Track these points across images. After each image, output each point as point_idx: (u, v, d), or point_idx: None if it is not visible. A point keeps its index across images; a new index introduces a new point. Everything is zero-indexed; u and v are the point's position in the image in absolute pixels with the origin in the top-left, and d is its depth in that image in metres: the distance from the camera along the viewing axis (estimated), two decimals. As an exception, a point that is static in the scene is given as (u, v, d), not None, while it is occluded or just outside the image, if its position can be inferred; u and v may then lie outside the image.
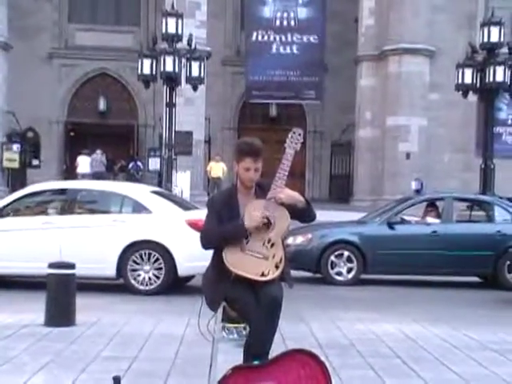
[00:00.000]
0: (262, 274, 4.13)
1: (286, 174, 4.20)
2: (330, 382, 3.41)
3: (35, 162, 27.95)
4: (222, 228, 4.18)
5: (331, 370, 3.48)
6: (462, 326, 7.41)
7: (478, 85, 17.74)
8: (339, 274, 11.25)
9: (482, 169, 17.74)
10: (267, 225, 4.17)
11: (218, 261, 4.22)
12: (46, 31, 29.67)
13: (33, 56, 28.55)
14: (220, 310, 4.29)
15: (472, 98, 19.20)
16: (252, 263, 4.14)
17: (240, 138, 27.90)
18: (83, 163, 25.70)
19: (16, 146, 26.09)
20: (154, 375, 5.07)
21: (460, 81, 18.01)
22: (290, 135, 4.26)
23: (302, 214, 4.27)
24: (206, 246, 4.28)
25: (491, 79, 17.33)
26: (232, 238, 4.14)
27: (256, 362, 3.62)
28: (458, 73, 17.98)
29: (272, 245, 4.18)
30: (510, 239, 10.42)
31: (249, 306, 4.16)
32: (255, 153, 4.20)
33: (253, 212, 4.14)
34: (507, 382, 5.16)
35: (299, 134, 4.26)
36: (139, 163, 27.71)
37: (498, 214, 11.89)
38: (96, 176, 23.74)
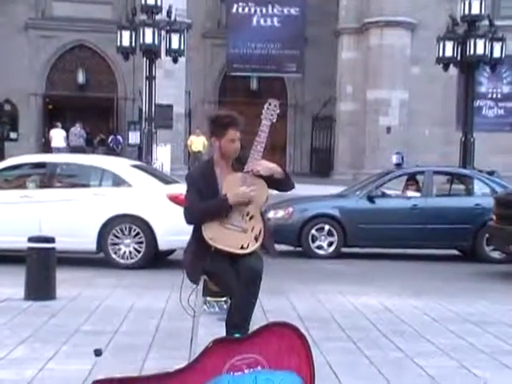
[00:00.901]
0: (242, 247, 4.14)
1: (263, 145, 4.20)
2: (310, 355, 3.42)
3: (13, 135, 27.65)
4: (206, 204, 4.18)
5: (311, 342, 3.50)
6: (440, 299, 7.49)
7: (459, 58, 17.75)
8: (320, 247, 11.30)
9: (462, 142, 17.82)
10: (246, 198, 4.17)
11: (198, 235, 4.22)
12: (22, 1, 29.15)
13: (9, 26, 28.10)
14: (201, 284, 4.30)
15: (453, 71, 19.23)
16: (231, 236, 4.14)
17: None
18: (57, 137, 25.35)
19: None
20: (136, 348, 5.07)
21: (441, 54, 18.00)
22: (265, 106, 4.27)
23: (280, 184, 4.27)
24: (190, 222, 4.29)
25: (472, 52, 17.34)
26: (216, 214, 4.14)
27: (237, 335, 3.63)
28: (439, 46, 17.96)
29: (251, 217, 4.19)
30: (488, 212, 10.47)
31: (229, 278, 4.17)
32: (237, 123, 4.22)
33: (234, 187, 4.14)
34: (485, 353, 5.23)
35: (275, 105, 4.26)
36: (119, 137, 27.52)
37: (478, 187, 11.97)
38: (75, 150, 23.54)
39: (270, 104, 4.26)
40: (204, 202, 4.19)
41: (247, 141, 4.31)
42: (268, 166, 4.18)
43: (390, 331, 5.86)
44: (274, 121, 4.24)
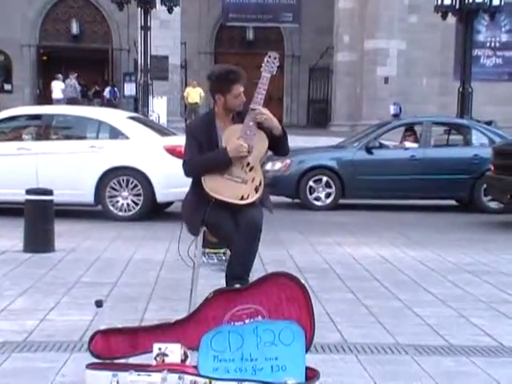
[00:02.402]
0: (242, 198, 4.13)
1: (263, 98, 4.18)
2: (310, 304, 3.44)
3: (7, 87, 27.40)
4: (206, 157, 4.16)
5: (311, 293, 3.51)
6: (438, 249, 7.53)
7: (458, 6, 17.51)
8: (318, 199, 11.31)
9: (460, 92, 17.71)
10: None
11: (197, 186, 4.20)
12: None
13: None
14: (200, 236, 4.30)
15: (451, 20, 18.98)
16: (231, 187, 4.13)
17: (217, 63, 27.51)
18: (57, 88, 25.22)
19: None
20: (135, 300, 5.10)
21: (439, 2, 17.78)
22: (265, 59, 4.23)
23: (278, 143, 4.25)
24: (189, 175, 4.27)
25: (471, 0, 17.09)
26: (216, 167, 4.12)
27: (237, 286, 3.64)
28: (438, -6, 17.72)
29: (251, 169, 4.18)
30: (486, 163, 10.46)
31: (229, 229, 4.17)
32: (242, 78, 4.20)
33: (235, 139, 4.11)
34: (482, 302, 5.27)
35: (275, 58, 4.22)
36: (115, 89, 27.27)
37: (476, 137, 11.93)
38: (70, 102, 23.34)
39: (269, 56, 4.22)
40: (204, 155, 4.16)
41: (244, 92, 4.26)
42: (272, 117, 4.17)
43: (389, 281, 5.90)
44: (274, 73, 4.21)
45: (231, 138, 4.16)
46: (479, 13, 17.91)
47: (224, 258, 5.84)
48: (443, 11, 17.83)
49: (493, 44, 26.29)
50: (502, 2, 17.60)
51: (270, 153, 4.45)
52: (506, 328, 4.59)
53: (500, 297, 5.48)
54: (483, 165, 10.79)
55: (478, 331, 4.50)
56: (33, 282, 5.60)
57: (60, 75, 25.74)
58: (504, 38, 26.32)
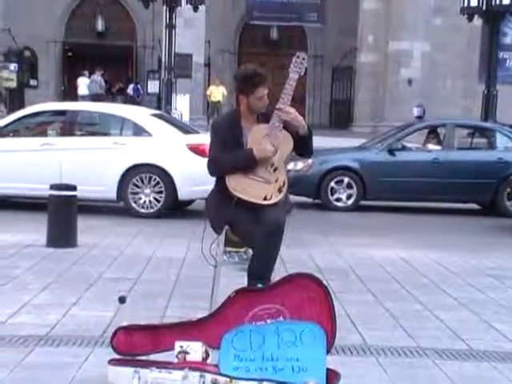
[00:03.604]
0: (265, 198, 4.14)
1: (290, 98, 4.16)
2: (332, 306, 3.44)
3: (33, 83, 27.59)
4: (231, 156, 4.16)
5: (332, 294, 3.51)
6: (460, 252, 7.49)
7: (484, 8, 17.37)
8: (339, 200, 11.28)
9: (485, 95, 17.57)
10: (271, 150, 4.15)
11: (221, 185, 4.21)
12: None
13: (29, -27, 27.81)
14: (223, 234, 4.31)
15: (477, 22, 18.82)
16: (255, 187, 4.14)
17: (240, 62, 27.54)
18: (82, 85, 25.41)
19: (13, 66, 25.65)
20: (157, 296, 5.13)
21: (465, 4, 17.65)
22: (293, 59, 4.22)
23: (302, 144, 4.23)
24: (213, 173, 4.28)
25: (498, 2, 16.97)
26: (241, 167, 4.13)
27: (259, 286, 3.65)
28: (464, -5, 17.60)
29: (275, 169, 4.18)
30: (510, 167, 10.39)
31: (251, 229, 4.17)
32: (266, 81, 4.20)
33: (260, 139, 4.11)
34: (504, 307, 5.24)
35: (303, 59, 4.21)
36: (139, 86, 27.39)
37: (500, 141, 11.83)
38: (94, 98, 23.49)
39: (298, 57, 4.21)
40: (229, 155, 4.17)
41: (268, 92, 4.26)
42: (299, 117, 4.16)
43: (409, 284, 5.88)
44: (302, 74, 4.20)
45: (257, 137, 4.16)
46: (506, 15, 17.76)
47: (245, 256, 5.84)
48: (469, 13, 17.72)
49: (519, 47, 26.00)
50: (530, 5, 17.43)
51: (293, 153, 4.44)
52: (528, 334, 4.56)
53: (522, 302, 5.44)
54: (507, 168, 10.71)
55: (500, 336, 4.47)
56: (55, 276, 5.66)
57: (86, 72, 25.93)
58: (530, 41, 26.03)
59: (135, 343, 3.34)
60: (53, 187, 7.12)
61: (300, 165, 11.27)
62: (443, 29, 24.94)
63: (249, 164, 4.13)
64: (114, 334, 3.36)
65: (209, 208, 4.37)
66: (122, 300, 3.47)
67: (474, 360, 4.00)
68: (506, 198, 11.09)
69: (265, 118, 4.21)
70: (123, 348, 3.34)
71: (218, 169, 4.22)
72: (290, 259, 6.41)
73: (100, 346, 3.93)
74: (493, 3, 17.07)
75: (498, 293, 5.69)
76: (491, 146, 12.00)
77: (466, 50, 25.14)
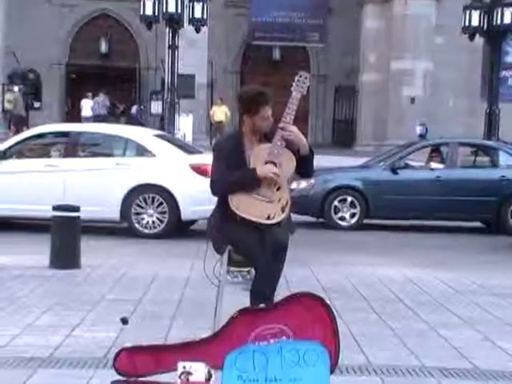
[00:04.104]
0: (268, 217, 4.13)
1: (293, 117, 4.18)
2: (335, 325, 3.43)
3: (37, 105, 27.69)
4: (235, 176, 4.16)
5: (335, 313, 3.50)
6: (464, 271, 7.46)
7: (485, 27, 17.44)
8: (342, 218, 11.27)
9: (487, 113, 17.59)
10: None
11: (223, 204, 4.21)
12: (45, -31, 29.03)
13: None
14: (225, 254, 4.30)
15: (478, 41, 18.90)
16: (258, 206, 4.13)
17: (243, 82, 27.66)
18: (86, 106, 25.53)
19: (17, 88, 25.79)
20: (160, 317, 5.12)
21: (467, 23, 17.70)
22: (296, 78, 4.24)
23: (304, 164, 4.23)
24: (217, 193, 4.28)
25: (499, 21, 17.01)
26: (245, 186, 4.13)
27: (262, 305, 3.64)
28: (465, 15, 17.64)
29: (278, 188, 4.18)
30: (513, 185, 10.39)
31: (254, 249, 4.17)
32: (270, 100, 4.21)
33: (263, 159, 4.11)
34: (508, 325, 5.21)
35: (306, 78, 4.23)
36: (142, 107, 27.50)
37: (503, 159, 11.83)
38: (98, 119, 23.58)
39: (300, 76, 4.23)
40: (232, 175, 4.17)
41: (272, 112, 4.27)
42: (300, 134, 4.17)
43: (414, 302, 5.85)
44: (304, 93, 4.21)
45: (260, 157, 4.16)
46: (507, 34, 17.83)
47: (248, 276, 5.82)
48: (471, 32, 17.77)
49: (521, 65, 26.08)
50: (531, 24, 17.49)
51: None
52: (533, 353, 4.52)
53: (527, 321, 5.41)
54: (510, 186, 10.69)
55: (505, 356, 4.44)
56: (58, 298, 5.65)
57: (89, 93, 26.06)
58: (532, 59, 26.11)
59: (138, 364, 3.32)
60: (56, 208, 7.13)
61: (303, 184, 11.27)
62: (445, 48, 25.02)
63: (252, 183, 4.13)
64: (117, 355, 3.35)
65: (211, 228, 4.37)
66: (124, 321, 3.46)
67: (478, 379, 3.97)
68: (509, 215, 11.07)
69: (267, 138, 4.22)
70: (126, 369, 3.32)
71: (221, 188, 4.22)
72: (293, 278, 6.39)
73: (103, 368, 3.91)
74: (494, 22, 17.13)
75: (502, 311, 5.66)
76: (494, 164, 12.00)
77: (468, 68, 25.21)
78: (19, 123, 23.38)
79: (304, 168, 4.30)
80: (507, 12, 16.92)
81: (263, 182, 4.14)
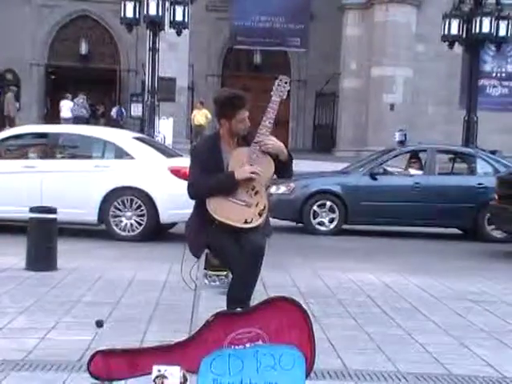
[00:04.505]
0: (246, 222, 4.13)
1: (272, 121, 4.19)
2: (311, 330, 3.43)
3: (15, 105, 27.47)
4: (212, 180, 4.16)
5: (312, 318, 3.51)
6: (441, 277, 7.50)
7: (465, 36, 17.61)
8: (321, 223, 11.30)
9: (466, 121, 17.75)
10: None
11: (201, 208, 4.20)
12: (25, -31, 28.83)
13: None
14: (202, 258, 4.29)
15: (458, 49, 19.07)
16: (235, 211, 4.13)
17: (224, 86, 27.64)
18: (66, 107, 25.35)
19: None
20: (136, 320, 5.09)
21: (446, 32, 17.86)
22: (276, 83, 4.25)
23: (283, 168, 4.26)
24: (194, 197, 4.27)
25: (477, 30, 17.20)
26: (222, 190, 4.13)
27: (239, 309, 3.63)
28: (445, 23, 17.80)
29: (256, 192, 4.18)
30: (490, 192, 10.45)
31: (232, 253, 4.16)
32: (246, 103, 4.22)
33: (241, 162, 4.12)
34: (484, 331, 5.24)
35: (286, 82, 4.24)
36: (122, 109, 27.39)
37: (480, 166, 11.94)
38: (77, 121, 23.44)
39: (280, 80, 4.24)
40: (209, 178, 4.16)
41: (250, 116, 4.28)
42: (278, 144, 4.18)
43: (390, 308, 5.88)
44: (284, 97, 4.22)
45: (238, 160, 4.17)
46: (485, 43, 18.02)
47: (226, 280, 5.82)
48: (450, 41, 17.93)
49: (499, 74, 26.35)
50: (509, 33, 17.68)
51: (274, 176, 4.45)
52: (508, 359, 4.56)
53: (502, 327, 5.45)
54: (487, 194, 10.77)
55: (480, 361, 4.47)
56: (34, 300, 5.59)
57: (69, 94, 25.88)
58: (510, 68, 26.39)
59: (112, 368, 3.30)
60: (33, 210, 7.07)
61: (282, 189, 11.31)
62: (425, 55, 25.22)
63: (229, 186, 4.14)
64: (91, 358, 3.32)
65: (188, 232, 4.36)
66: (99, 324, 3.43)
67: (453, 385, 3.99)
68: (486, 222, 11.17)
69: (245, 140, 4.23)
70: (100, 373, 3.30)
71: (199, 192, 4.22)
72: (271, 283, 6.40)
73: (77, 371, 3.88)
74: (473, 31, 17.30)
75: (478, 317, 5.70)
76: (471, 171, 12.12)
77: (447, 76, 25.41)
78: (12, 124, 23.19)
79: (283, 171, 4.33)
80: (486, 21, 17.11)
81: (241, 185, 4.14)
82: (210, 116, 24.00)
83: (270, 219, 4.49)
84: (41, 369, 3.94)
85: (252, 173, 4.12)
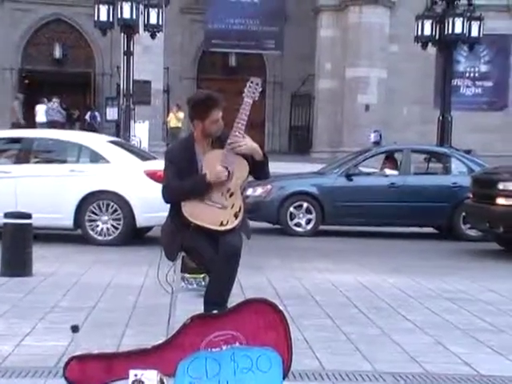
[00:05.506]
0: (221, 224, 4.13)
1: (245, 123, 4.19)
2: (288, 331, 3.44)
3: (-12, 111, 27.20)
4: (185, 183, 4.16)
5: (289, 319, 3.52)
6: (417, 276, 7.55)
7: (437, 37, 17.74)
8: (298, 225, 11.33)
9: (440, 121, 17.88)
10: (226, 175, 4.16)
11: (176, 211, 4.20)
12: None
13: (-17, -1, 27.59)
14: (179, 261, 4.28)
15: (431, 50, 19.22)
16: (211, 213, 4.13)
17: (199, 88, 27.61)
18: (41, 112, 25.15)
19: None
20: (113, 325, 5.06)
21: (419, 32, 17.97)
22: (247, 85, 4.27)
23: (258, 168, 4.26)
24: (168, 200, 4.26)
25: (450, 31, 17.33)
26: (196, 192, 4.13)
27: (215, 312, 3.63)
28: (418, 24, 17.92)
29: (231, 194, 4.19)
30: (465, 191, 10.55)
31: (207, 255, 4.16)
32: (219, 103, 4.21)
33: (215, 164, 4.12)
34: (460, 330, 5.29)
35: (257, 84, 4.25)
36: (97, 113, 27.23)
37: (455, 166, 12.05)
38: (51, 125, 23.25)
39: (251, 82, 4.25)
40: (183, 181, 4.16)
41: (225, 118, 4.29)
42: (251, 144, 4.18)
43: (367, 308, 5.90)
44: (256, 99, 4.23)
45: (211, 163, 4.17)
46: (458, 44, 18.17)
47: (203, 283, 5.82)
48: (423, 41, 18.05)
49: (472, 74, 26.65)
50: (481, 34, 17.85)
51: (250, 178, 4.46)
52: (483, 357, 4.60)
53: (478, 325, 5.49)
54: (462, 193, 10.86)
55: (456, 359, 4.51)
56: (9, 306, 5.54)
57: (44, 99, 25.67)
58: (483, 68, 26.69)
59: (89, 373, 3.29)
60: (7, 215, 7.01)
61: (259, 190, 11.32)
62: (399, 56, 25.39)
63: (203, 189, 4.13)
64: (67, 363, 3.30)
65: (163, 235, 4.35)
66: (74, 329, 3.41)
67: (430, 383, 4.01)
68: (461, 221, 11.27)
69: (219, 142, 4.23)
70: (76, 378, 3.29)
71: (173, 195, 4.21)
72: (248, 285, 6.40)
73: (53, 377, 3.84)
74: (445, 32, 17.44)
75: (454, 316, 5.74)
76: (446, 170, 12.22)
77: (421, 76, 25.60)
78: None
79: (259, 172, 4.33)
80: (458, 22, 17.24)
81: (215, 187, 4.14)
82: (185, 119, 23.93)
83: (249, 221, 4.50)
84: (16, 375, 3.90)
85: (224, 174, 4.12)
